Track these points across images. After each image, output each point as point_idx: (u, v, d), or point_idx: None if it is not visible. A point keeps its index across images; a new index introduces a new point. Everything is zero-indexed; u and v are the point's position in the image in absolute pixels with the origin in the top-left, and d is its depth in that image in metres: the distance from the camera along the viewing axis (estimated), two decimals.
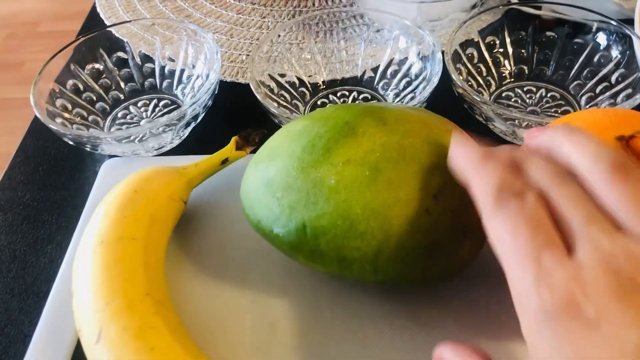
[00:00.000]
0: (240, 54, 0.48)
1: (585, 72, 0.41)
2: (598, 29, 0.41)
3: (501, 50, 0.43)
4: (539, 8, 0.43)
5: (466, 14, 0.46)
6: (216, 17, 0.53)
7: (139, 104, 0.44)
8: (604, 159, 0.19)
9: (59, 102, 0.40)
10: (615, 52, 0.40)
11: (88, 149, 0.37)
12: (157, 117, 0.43)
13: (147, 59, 0.45)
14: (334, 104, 0.29)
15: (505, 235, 0.19)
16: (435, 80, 0.37)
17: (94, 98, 0.43)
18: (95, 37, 0.43)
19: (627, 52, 0.39)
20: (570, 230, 0.18)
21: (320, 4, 0.54)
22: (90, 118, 0.42)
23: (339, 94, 0.43)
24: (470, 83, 0.42)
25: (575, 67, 0.42)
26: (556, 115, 0.40)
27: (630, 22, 0.41)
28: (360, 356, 0.28)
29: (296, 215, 0.25)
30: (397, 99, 0.42)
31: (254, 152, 0.36)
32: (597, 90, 0.40)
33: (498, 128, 0.38)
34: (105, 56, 0.44)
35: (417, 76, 0.41)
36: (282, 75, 0.43)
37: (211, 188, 0.36)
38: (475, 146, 0.22)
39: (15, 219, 0.37)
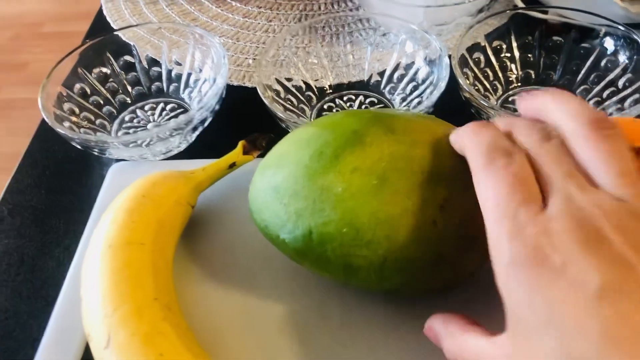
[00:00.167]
0: (246, 58, 0.49)
1: (592, 76, 0.41)
2: (605, 34, 0.41)
3: (508, 54, 0.43)
4: (546, 12, 0.43)
5: (472, 19, 0.46)
6: (222, 21, 0.53)
7: (146, 108, 0.44)
8: (582, 116, 0.21)
9: (66, 105, 0.40)
10: (622, 57, 0.40)
11: (96, 153, 0.38)
12: (164, 121, 0.43)
13: (153, 62, 0.46)
14: (342, 110, 0.29)
15: (488, 191, 0.20)
16: (442, 85, 0.37)
17: (101, 102, 0.43)
18: (102, 41, 0.43)
19: (635, 57, 0.39)
20: (549, 186, 0.20)
21: (327, 8, 0.54)
22: (98, 122, 0.42)
23: (345, 98, 0.44)
24: (477, 87, 0.42)
25: (582, 71, 0.42)
26: None
27: (637, 26, 0.41)
28: None
29: (303, 222, 0.26)
30: (404, 104, 0.42)
31: (261, 156, 0.36)
32: (604, 95, 0.40)
33: None
34: (112, 60, 0.44)
35: (423, 81, 0.41)
36: (289, 80, 0.43)
37: (218, 192, 0.36)
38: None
39: (23, 222, 0.37)
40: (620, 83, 0.40)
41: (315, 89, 0.44)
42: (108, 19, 0.54)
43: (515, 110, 0.41)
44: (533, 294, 0.18)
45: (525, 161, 0.21)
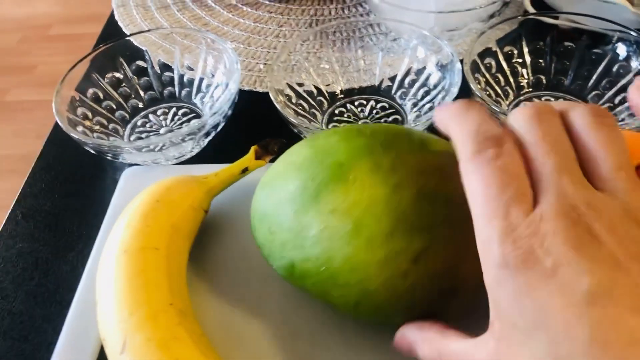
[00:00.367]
0: (257, 63, 0.49)
1: (603, 82, 0.41)
2: (617, 39, 0.41)
3: (519, 60, 0.43)
4: (557, 18, 0.43)
5: (483, 24, 0.46)
6: (233, 26, 0.53)
7: (158, 113, 0.44)
8: (583, 106, 0.20)
9: (79, 110, 0.41)
10: (634, 63, 0.40)
11: (109, 158, 0.38)
12: (176, 126, 0.43)
13: (166, 67, 0.46)
14: (346, 126, 0.28)
15: (477, 185, 0.19)
16: (454, 91, 0.37)
17: (114, 106, 0.43)
18: (115, 46, 0.44)
19: None
20: (541, 181, 0.19)
21: (337, 13, 0.54)
22: (110, 126, 0.42)
23: (356, 103, 0.44)
24: (488, 93, 0.42)
25: (594, 77, 0.42)
26: None
27: None
28: None
29: (287, 254, 0.26)
30: (415, 109, 0.42)
31: (273, 160, 0.37)
32: (616, 101, 0.40)
33: None
34: (125, 65, 0.44)
35: (435, 86, 0.41)
36: (300, 85, 0.43)
37: (231, 197, 0.36)
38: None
39: (37, 226, 0.38)
40: None
41: (327, 94, 0.44)
42: (120, 23, 0.54)
43: None
44: (522, 297, 0.17)
45: (516, 151, 0.20)
